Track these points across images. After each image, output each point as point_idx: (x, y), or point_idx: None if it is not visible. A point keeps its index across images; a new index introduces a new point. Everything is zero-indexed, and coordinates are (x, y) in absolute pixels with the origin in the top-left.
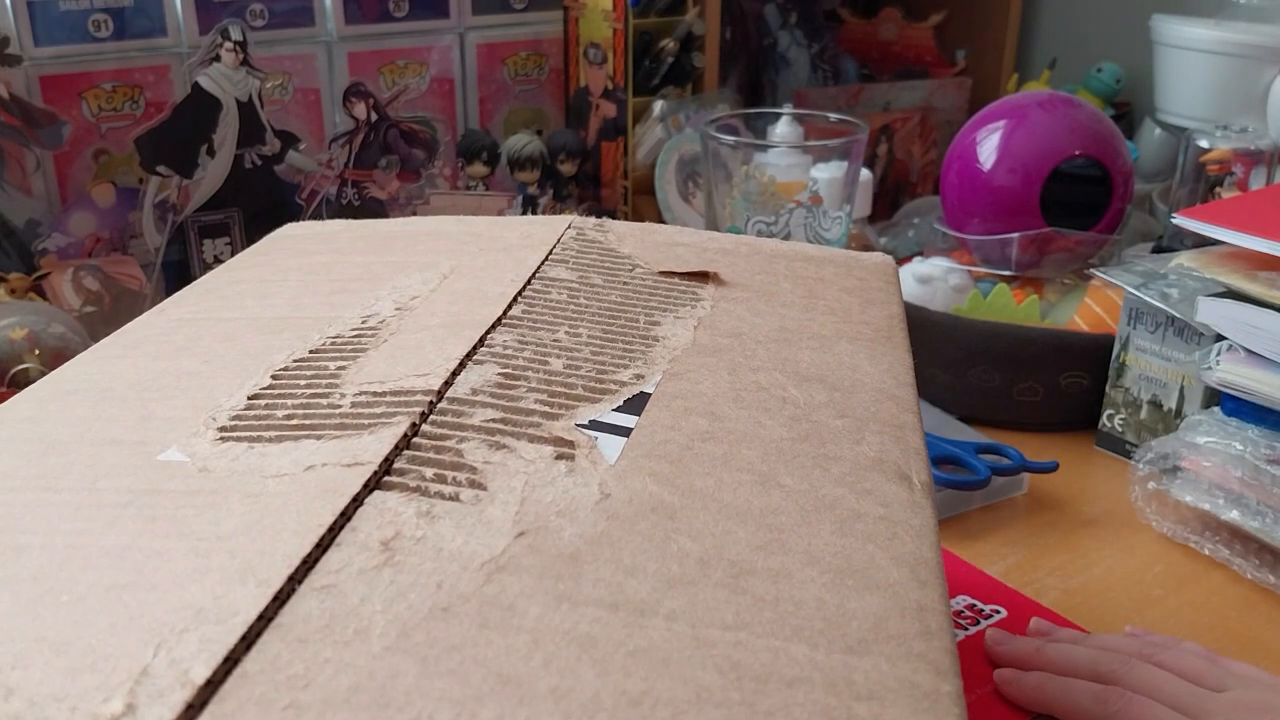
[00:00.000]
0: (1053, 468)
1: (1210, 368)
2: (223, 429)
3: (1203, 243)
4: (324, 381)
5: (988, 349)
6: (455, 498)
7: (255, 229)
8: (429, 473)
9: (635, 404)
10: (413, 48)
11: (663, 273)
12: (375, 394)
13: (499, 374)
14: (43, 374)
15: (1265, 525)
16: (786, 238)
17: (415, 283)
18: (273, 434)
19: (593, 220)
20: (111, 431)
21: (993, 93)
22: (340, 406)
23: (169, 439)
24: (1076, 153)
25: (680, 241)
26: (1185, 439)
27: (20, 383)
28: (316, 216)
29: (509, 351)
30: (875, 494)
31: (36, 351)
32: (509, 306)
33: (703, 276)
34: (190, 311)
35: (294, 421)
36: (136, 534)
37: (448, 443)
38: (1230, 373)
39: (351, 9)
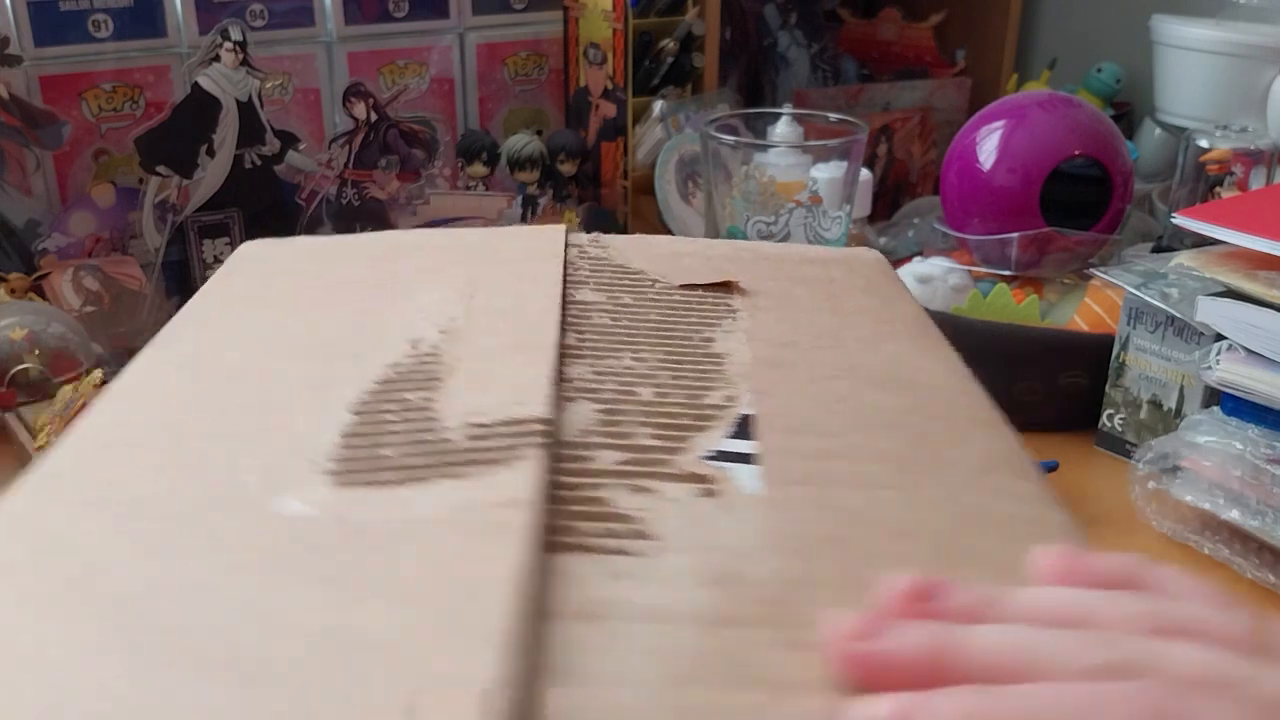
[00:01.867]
0: (1053, 467)
1: (1210, 367)
2: (333, 473)
3: (1203, 243)
4: (417, 414)
5: (987, 349)
6: (627, 551)
7: (255, 229)
8: (587, 526)
9: (743, 428)
10: (413, 48)
11: (683, 286)
12: (484, 425)
13: (597, 410)
14: (42, 374)
15: (1265, 525)
16: (786, 238)
17: (441, 301)
18: (395, 474)
19: (585, 236)
20: (205, 490)
21: (993, 93)
22: (452, 440)
23: (272, 490)
24: (1076, 153)
25: (682, 251)
26: (1185, 438)
27: (20, 383)
28: (316, 217)
29: (591, 385)
30: (1009, 493)
31: (36, 351)
32: (561, 334)
33: (724, 286)
34: (200, 346)
35: (412, 460)
36: (323, 604)
37: (588, 491)
38: (1230, 372)
39: (351, 9)
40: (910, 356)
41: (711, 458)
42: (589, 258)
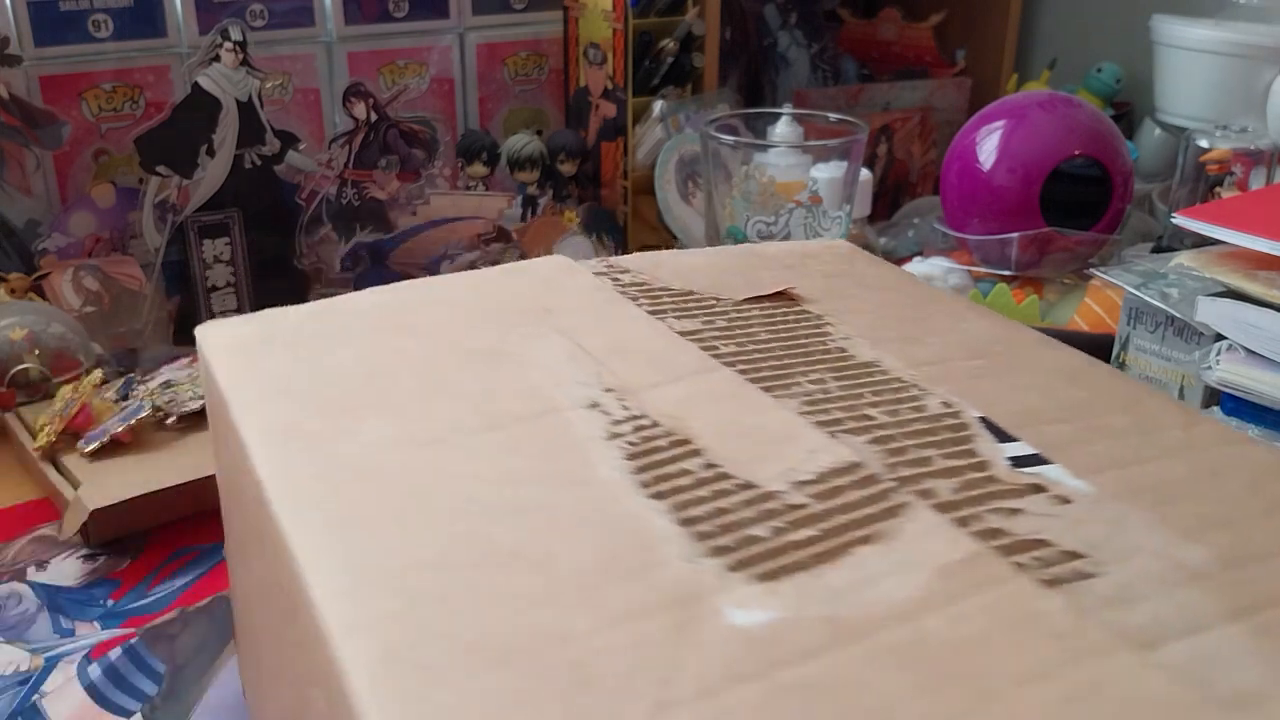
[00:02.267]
0: None
1: (1210, 367)
2: (740, 568)
3: (1203, 242)
4: (729, 484)
5: None
6: (1088, 573)
7: (255, 229)
8: (1027, 560)
9: (1001, 431)
10: (413, 48)
11: (744, 300)
12: (812, 481)
13: (867, 442)
14: (42, 374)
15: None
16: (786, 238)
17: (560, 358)
18: (798, 553)
19: (596, 262)
20: (593, 615)
21: (993, 93)
22: (805, 505)
23: (678, 601)
24: (1076, 153)
25: (694, 265)
26: None
27: (20, 383)
28: (316, 216)
29: (829, 417)
30: (1254, 462)
31: (36, 351)
32: (728, 365)
33: (782, 295)
34: (386, 432)
35: (791, 535)
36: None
37: (977, 524)
38: (1230, 372)
39: (351, 9)
40: (1000, 329)
41: (1018, 466)
42: (626, 284)
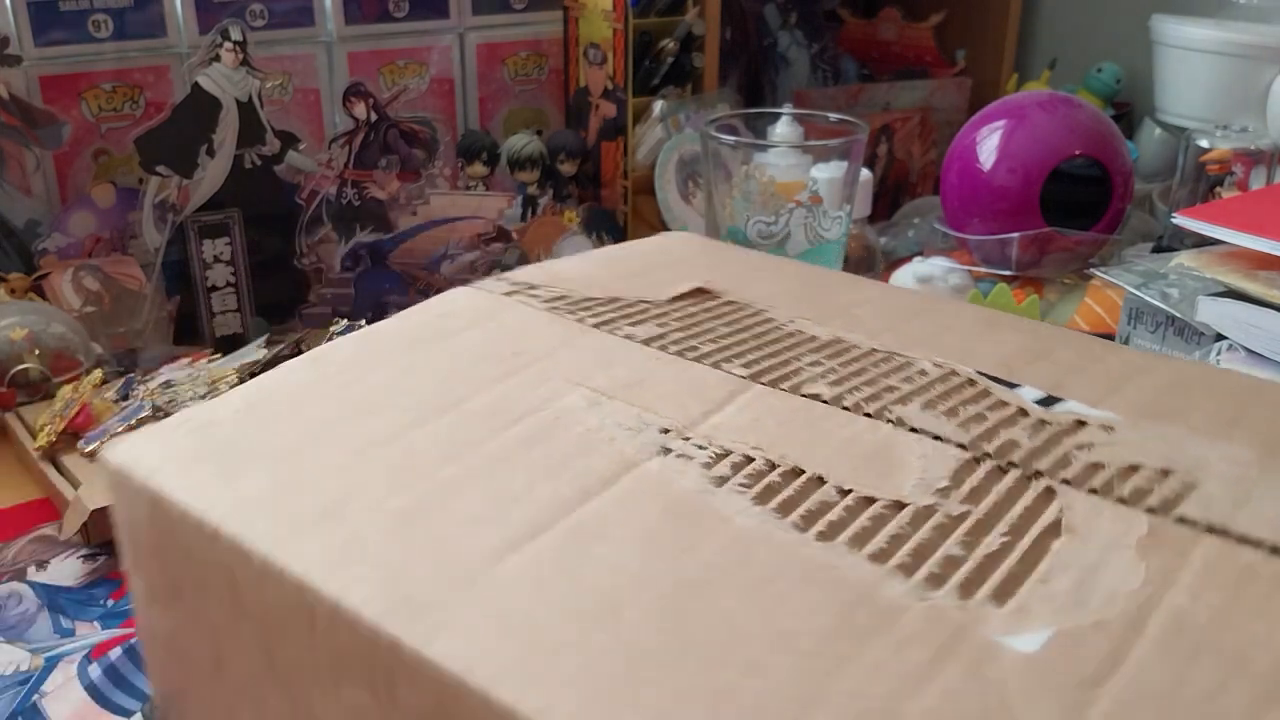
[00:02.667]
0: None
1: None
2: (970, 593)
3: (1203, 242)
4: (879, 507)
5: None
6: (1226, 514)
7: (255, 229)
8: (1192, 511)
9: (1003, 382)
10: (413, 48)
11: (672, 301)
12: (954, 485)
13: (949, 426)
14: (42, 374)
15: None
16: (786, 238)
17: (583, 405)
18: (1019, 558)
19: (493, 281)
20: (884, 683)
21: (993, 93)
22: (968, 513)
23: (949, 646)
24: (1076, 153)
25: (588, 272)
26: None
27: (20, 383)
28: (316, 216)
29: (874, 405)
30: (1186, 371)
31: (36, 351)
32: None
33: (701, 292)
34: (467, 549)
35: (996, 546)
36: None
37: (1111, 477)
38: None
39: (351, 9)
40: (895, 293)
41: (1046, 407)
42: (553, 300)
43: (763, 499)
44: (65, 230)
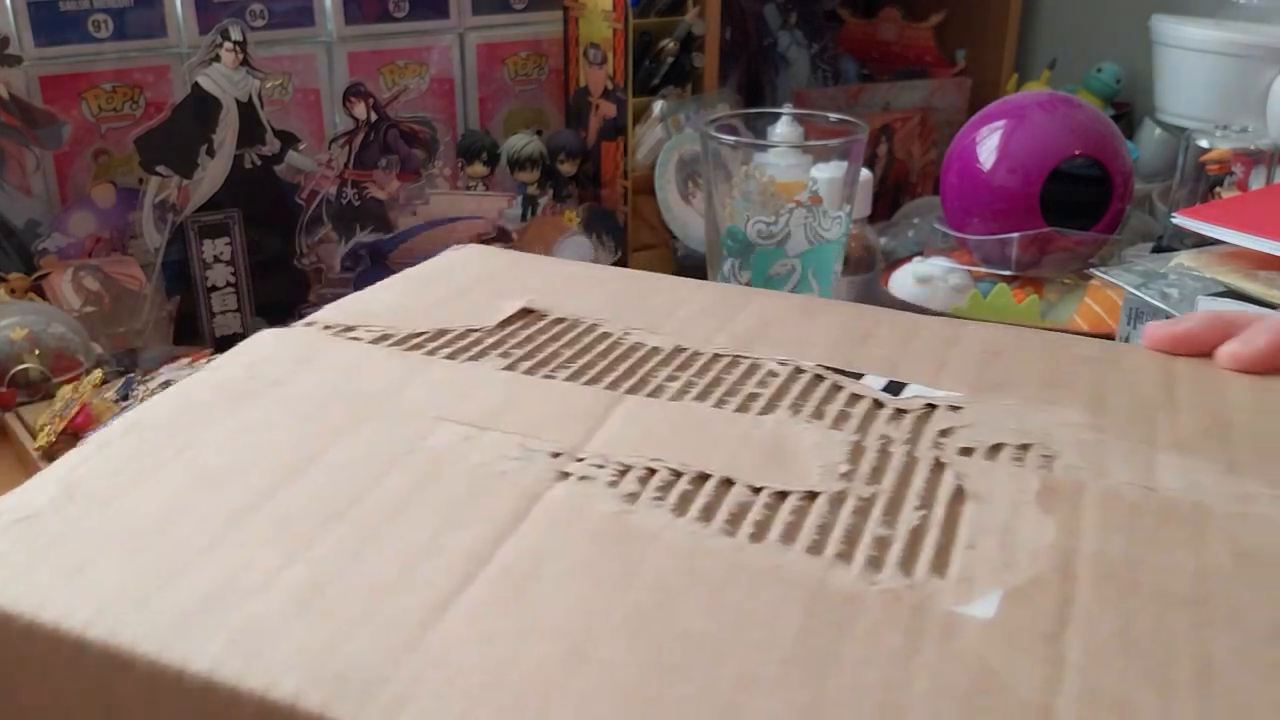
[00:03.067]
0: None
1: None
2: (909, 570)
3: (1203, 242)
4: (796, 499)
5: None
6: (1105, 468)
7: (255, 229)
8: (1068, 467)
9: (845, 372)
10: (413, 48)
11: (500, 325)
12: (854, 469)
13: (823, 422)
14: (42, 374)
15: None
16: (786, 238)
17: (460, 439)
18: (940, 532)
19: (298, 331)
20: (881, 670)
21: (993, 93)
22: (878, 495)
23: (915, 628)
24: (1076, 153)
25: (402, 305)
26: None
27: (20, 383)
28: (316, 217)
29: (738, 403)
30: (987, 335)
31: (36, 351)
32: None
33: (527, 313)
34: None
35: (916, 521)
36: None
37: (985, 446)
38: None
39: (351, 9)
40: (699, 289)
41: (893, 394)
42: (377, 340)
43: (681, 509)
44: (65, 230)
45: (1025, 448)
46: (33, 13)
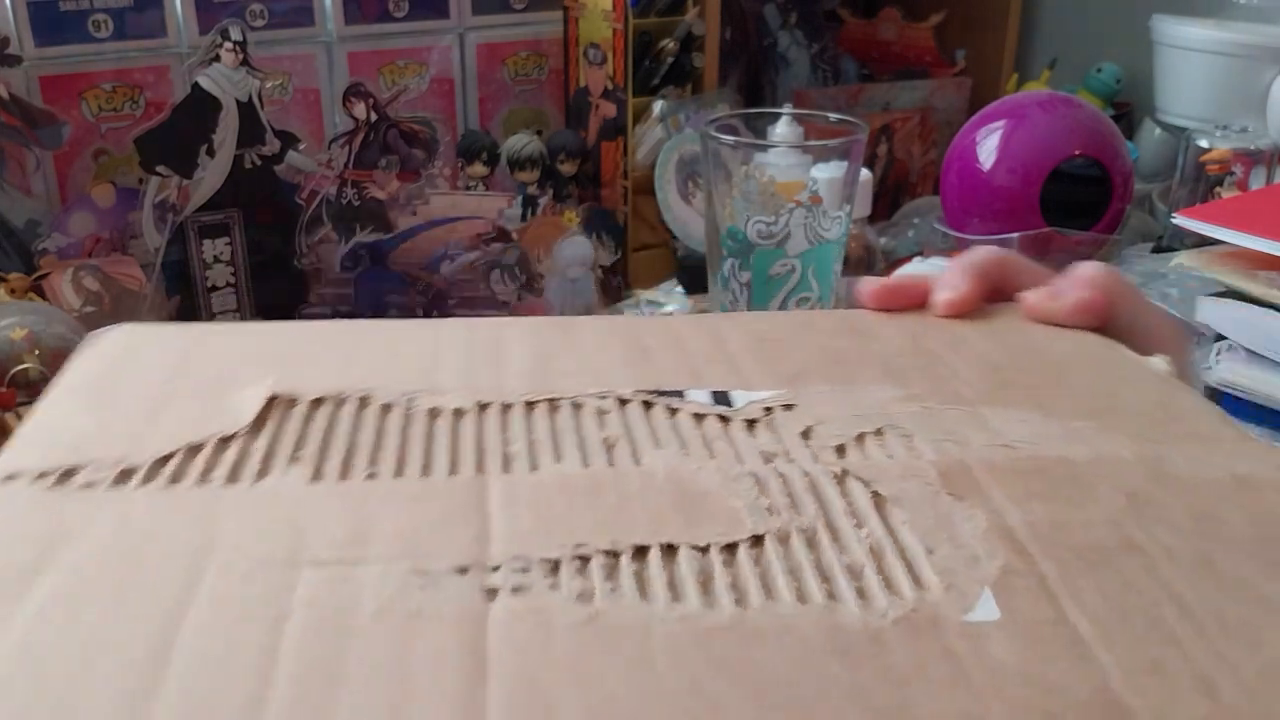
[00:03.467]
0: None
1: (1210, 367)
2: (869, 603)
3: (1203, 243)
4: (694, 548)
5: None
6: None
7: (255, 229)
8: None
9: (671, 393)
10: (413, 48)
11: (256, 425)
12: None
13: (688, 456)
14: (42, 374)
15: None
16: (786, 238)
17: (401, 585)
18: (856, 551)
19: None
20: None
21: (993, 93)
22: (772, 525)
23: (925, 642)
24: (1076, 153)
25: (134, 432)
26: None
27: (20, 383)
28: (316, 217)
29: (604, 460)
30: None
31: (36, 352)
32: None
33: (274, 400)
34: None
35: (819, 542)
36: None
37: (843, 443)
38: (1230, 372)
39: (351, 9)
40: (428, 327)
41: (742, 407)
42: (106, 482)
43: (643, 592)
44: (65, 230)
45: (881, 432)
46: (33, 13)
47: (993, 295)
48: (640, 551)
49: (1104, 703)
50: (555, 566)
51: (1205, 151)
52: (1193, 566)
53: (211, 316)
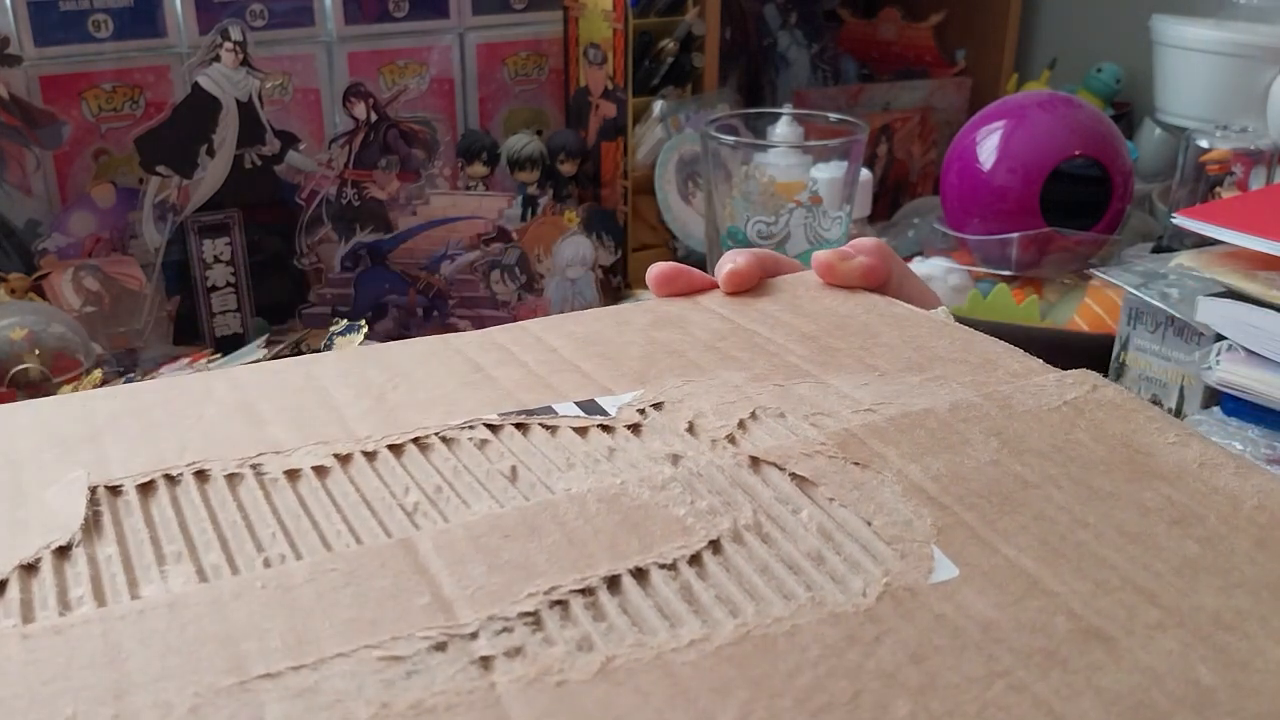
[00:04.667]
0: None
1: (1210, 368)
2: (820, 595)
3: (1203, 243)
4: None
5: None
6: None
7: (255, 229)
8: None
9: (540, 410)
10: (413, 48)
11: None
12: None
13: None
14: (42, 374)
15: None
16: (786, 238)
17: (384, 679)
18: (789, 547)
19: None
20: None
21: (993, 93)
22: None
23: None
24: (1076, 153)
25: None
26: None
27: (20, 383)
28: (316, 217)
29: (523, 490)
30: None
31: (36, 351)
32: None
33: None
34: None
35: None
36: None
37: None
38: (1230, 373)
39: (351, 9)
40: (299, 365)
41: (614, 413)
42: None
43: (640, 627)
44: (65, 230)
45: (755, 415)
46: (33, 13)
47: (762, 280)
48: (613, 582)
49: (1082, 630)
50: (535, 619)
51: (1205, 151)
52: (1076, 490)
53: (211, 316)
